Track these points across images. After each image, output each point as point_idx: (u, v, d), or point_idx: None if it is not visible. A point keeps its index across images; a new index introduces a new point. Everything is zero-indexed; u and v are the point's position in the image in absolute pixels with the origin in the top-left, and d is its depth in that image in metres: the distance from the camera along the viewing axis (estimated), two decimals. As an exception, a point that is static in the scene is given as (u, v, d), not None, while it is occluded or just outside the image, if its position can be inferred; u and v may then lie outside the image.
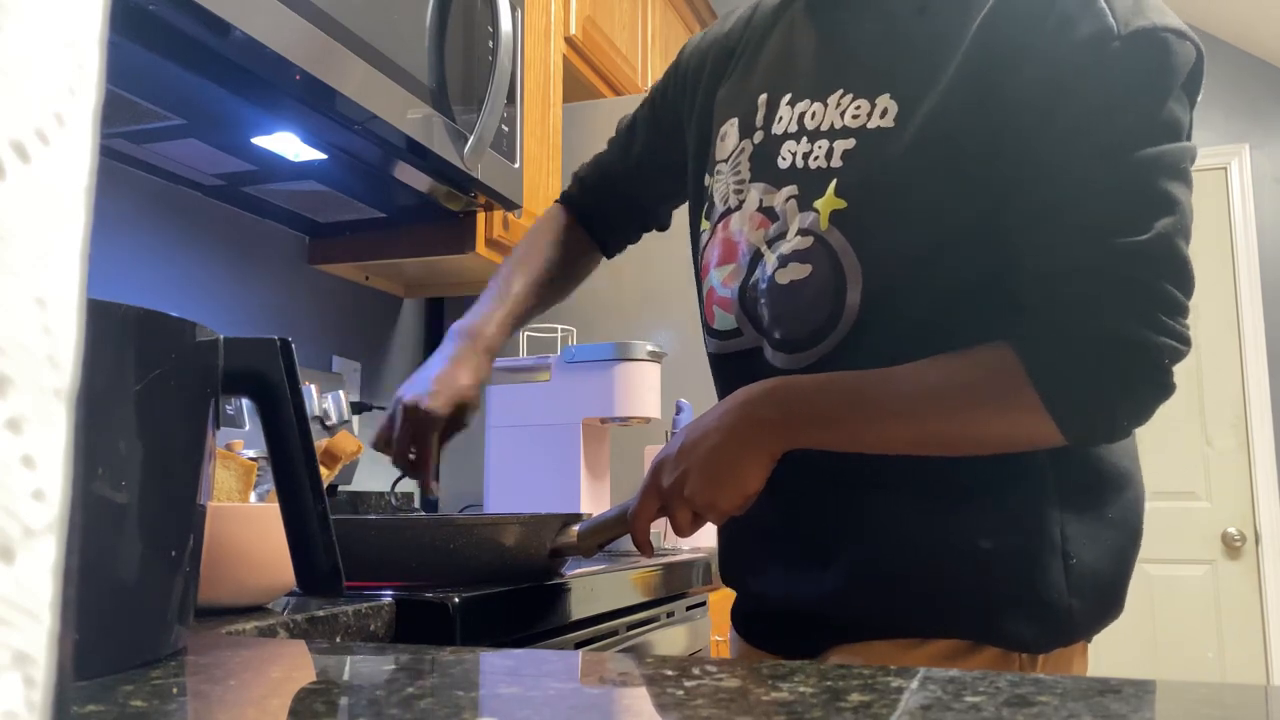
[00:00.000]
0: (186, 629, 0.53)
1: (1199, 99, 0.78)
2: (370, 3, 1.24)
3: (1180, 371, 0.77)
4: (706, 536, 1.83)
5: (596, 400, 1.73)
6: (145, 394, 0.47)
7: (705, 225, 0.99)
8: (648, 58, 2.62)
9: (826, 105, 0.87)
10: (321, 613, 0.75)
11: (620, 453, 2.05)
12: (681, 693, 0.41)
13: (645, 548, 0.91)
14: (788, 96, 0.92)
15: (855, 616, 0.84)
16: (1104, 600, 0.84)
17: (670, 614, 1.40)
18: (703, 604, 1.57)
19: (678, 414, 1.74)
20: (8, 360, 0.18)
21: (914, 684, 0.41)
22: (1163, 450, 3.27)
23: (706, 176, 1.01)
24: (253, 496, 0.86)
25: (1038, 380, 0.74)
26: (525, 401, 1.80)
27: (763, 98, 0.94)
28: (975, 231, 0.80)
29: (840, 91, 0.87)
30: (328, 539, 0.59)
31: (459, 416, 1.09)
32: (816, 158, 0.86)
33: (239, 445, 0.90)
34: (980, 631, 0.80)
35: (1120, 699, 0.39)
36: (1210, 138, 3.37)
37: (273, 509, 0.75)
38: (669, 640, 1.37)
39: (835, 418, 0.80)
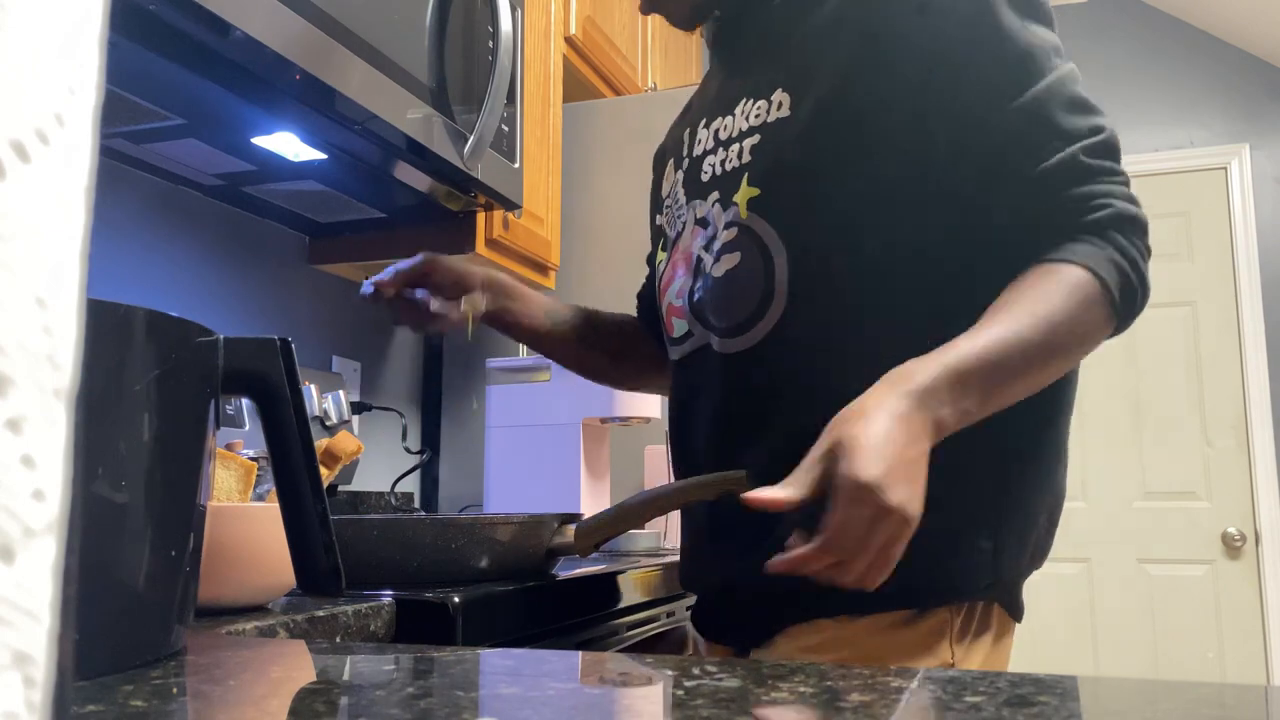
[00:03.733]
0: (186, 629, 0.53)
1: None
2: (370, 3, 1.24)
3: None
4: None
5: (596, 400, 1.73)
6: (145, 394, 0.47)
7: (662, 256, 1.07)
8: (648, 58, 2.62)
9: (734, 115, 0.96)
10: (321, 613, 0.75)
11: (620, 453, 2.05)
12: (681, 693, 0.41)
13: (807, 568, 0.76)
14: (703, 121, 1.02)
15: (778, 594, 0.87)
16: (1028, 549, 0.89)
17: (670, 614, 1.40)
18: (703, 604, 1.57)
19: (678, 414, 1.74)
20: (8, 360, 0.18)
21: (914, 684, 0.41)
22: (1163, 450, 3.27)
23: (658, 216, 1.10)
24: (252, 496, 0.86)
25: (1111, 285, 0.80)
26: (525, 401, 1.81)
27: (686, 132, 1.05)
28: (893, 197, 0.86)
29: (743, 100, 0.96)
30: (328, 539, 0.59)
31: (467, 288, 1.10)
32: (731, 160, 0.95)
33: (239, 445, 0.90)
34: (920, 581, 0.82)
35: (1120, 698, 0.39)
36: (1210, 138, 3.37)
37: (273, 509, 0.75)
38: (669, 640, 1.37)
39: (985, 394, 0.77)
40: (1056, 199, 0.82)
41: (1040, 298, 0.79)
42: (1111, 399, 3.32)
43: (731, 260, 0.91)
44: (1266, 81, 3.34)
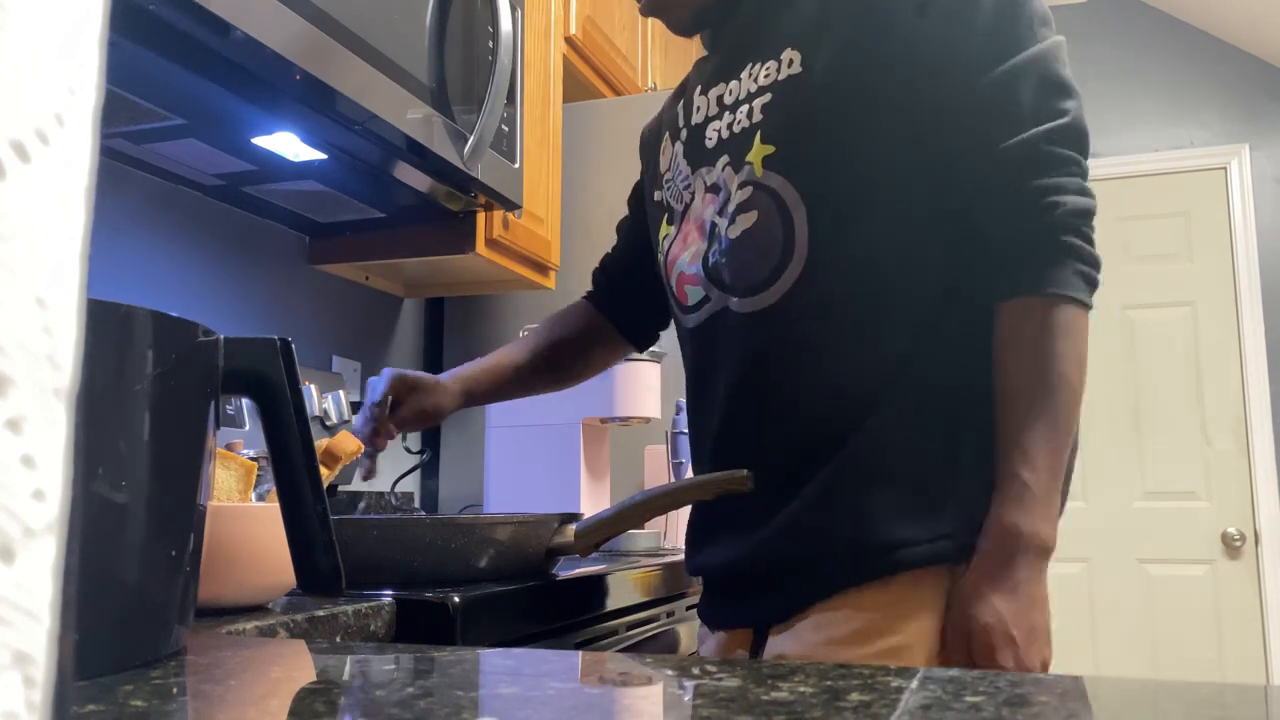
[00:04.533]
0: (186, 629, 0.53)
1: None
2: (370, 3, 1.24)
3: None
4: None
5: (596, 400, 1.73)
6: (145, 394, 0.47)
7: (668, 230, 1.06)
8: (648, 58, 2.62)
9: (740, 80, 0.97)
10: (321, 613, 0.75)
11: (620, 453, 2.05)
12: (681, 693, 0.41)
13: None
14: (699, 89, 1.03)
15: (779, 572, 0.90)
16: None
17: (670, 614, 1.40)
18: (703, 604, 1.57)
19: (678, 414, 1.74)
20: (8, 360, 0.18)
21: (914, 684, 0.41)
22: (1163, 450, 3.27)
23: (658, 191, 1.10)
24: (252, 496, 0.86)
25: (1084, 299, 0.85)
26: (525, 401, 1.80)
27: (679, 105, 1.06)
28: (905, 159, 0.88)
29: (750, 64, 0.96)
30: (328, 539, 0.59)
31: (404, 402, 1.22)
32: (740, 122, 0.95)
33: (239, 445, 0.90)
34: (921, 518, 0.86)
35: (1120, 698, 0.39)
36: (1210, 138, 3.37)
37: (273, 509, 0.75)
38: (669, 640, 1.37)
39: (1053, 467, 0.85)
40: (1014, 186, 0.85)
41: (1046, 357, 0.84)
42: (1111, 399, 3.32)
43: (748, 219, 0.92)
44: (1266, 81, 3.34)
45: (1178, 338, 3.28)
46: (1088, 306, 0.86)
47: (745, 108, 0.95)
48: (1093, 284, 0.86)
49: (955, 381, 0.88)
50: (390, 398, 1.21)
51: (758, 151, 0.92)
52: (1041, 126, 0.84)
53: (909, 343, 0.88)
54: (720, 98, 0.99)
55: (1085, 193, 0.85)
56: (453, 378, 1.26)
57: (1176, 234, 3.36)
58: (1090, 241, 0.85)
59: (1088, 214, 0.85)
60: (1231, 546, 3.18)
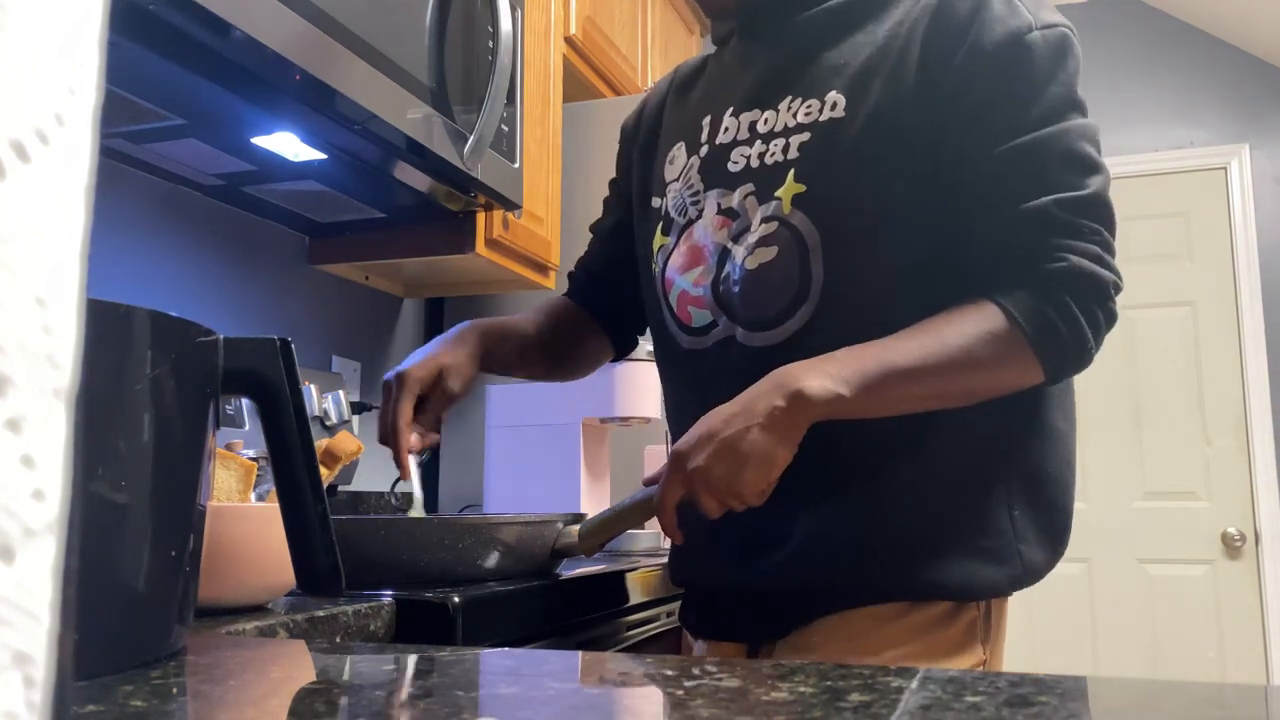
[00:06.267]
0: (186, 629, 0.53)
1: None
2: (370, 3, 1.24)
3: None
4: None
5: (596, 400, 1.73)
6: (145, 394, 0.47)
7: (664, 240, 1.05)
8: (648, 58, 2.62)
9: (778, 111, 0.96)
10: (321, 613, 0.75)
11: (620, 453, 2.05)
12: (681, 693, 0.41)
13: (674, 533, 0.92)
14: (730, 110, 1.01)
15: (809, 589, 0.90)
16: (1047, 543, 0.92)
17: (670, 614, 1.40)
18: (703, 604, 1.57)
19: (678, 414, 1.73)
20: (8, 360, 0.18)
21: (914, 684, 0.41)
22: (1163, 450, 3.27)
23: (655, 198, 1.08)
24: (252, 496, 0.86)
25: (1029, 334, 0.83)
26: (525, 401, 1.80)
27: (706, 118, 1.03)
28: (921, 211, 0.88)
29: (790, 97, 0.95)
30: (328, 539, 0.59)
31: (443, 385, 1.06)
32: (773, 154, 0.94)
33: (239, 445, 0.90)
34: (934, 583, 0.87)
35: (1120, 698, 0.39)
36: (1210, 138, 3.37)
37: (273, 509, 0.75)
38: (669, 640, 1.37)
39: (862, 384, 0.83)
40: (1022, 242, 0.85)
41: (947, 321, 0.84)
42: (1111, 399, 3.32)
43: (767, 254, 0.92)
44: (1266, 81, 3.34)
45: (1178, 338, 3.27)
46: (1039, 358, 0.84)
47: (781, 141, 0.94)
48: (1057, 346, 0.84)
49: (959, 419, 0.88)
50: (415, 398, 1.05)
51: (789, 189, 0.92)
52: (1058, 194, 0.84)
53: None
54: (754, 124, 0.97)
55: (1100, 262, 0.85)
56: (472, 336, 1.10)
57: (1176, 234, 3.36)
58: (1085, 312, 0.84)
59: (1095, 281, 0.84)
60: (1231, 546, 3.18)
